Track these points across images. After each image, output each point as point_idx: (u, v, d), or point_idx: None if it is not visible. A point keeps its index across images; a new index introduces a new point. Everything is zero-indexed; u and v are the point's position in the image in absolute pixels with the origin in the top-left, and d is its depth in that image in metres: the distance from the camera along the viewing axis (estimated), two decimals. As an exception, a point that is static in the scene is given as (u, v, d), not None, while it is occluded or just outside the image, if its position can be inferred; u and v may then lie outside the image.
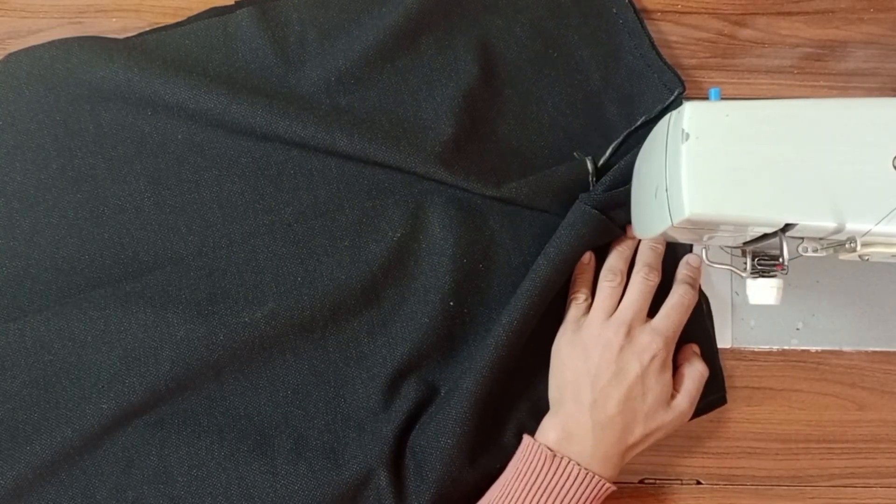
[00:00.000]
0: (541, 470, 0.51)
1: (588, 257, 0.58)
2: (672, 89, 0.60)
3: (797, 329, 0.62)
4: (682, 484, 0.60)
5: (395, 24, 0.61)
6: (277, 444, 0.56)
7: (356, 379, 0.58)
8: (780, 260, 0.47)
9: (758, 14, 0.65)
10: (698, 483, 0.60)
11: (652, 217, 0.50)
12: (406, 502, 0.53)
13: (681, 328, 0.56)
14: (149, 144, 0.60)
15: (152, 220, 0.59)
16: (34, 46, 0.60)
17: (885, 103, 0.45)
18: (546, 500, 0.51)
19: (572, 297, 0.58)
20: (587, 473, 0.51)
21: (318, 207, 0.60)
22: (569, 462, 0.51)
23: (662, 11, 0.65)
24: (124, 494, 0.54)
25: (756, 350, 0.62)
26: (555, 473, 0.51)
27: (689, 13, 0.65)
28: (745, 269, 0.53)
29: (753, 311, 0.62)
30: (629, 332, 0.54)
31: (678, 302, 0.56)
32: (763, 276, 0.52)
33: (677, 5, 0.65)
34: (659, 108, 0.60)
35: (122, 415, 0.55)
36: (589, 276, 0.58)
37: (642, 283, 0.56)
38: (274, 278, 0.58)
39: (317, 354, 0.58)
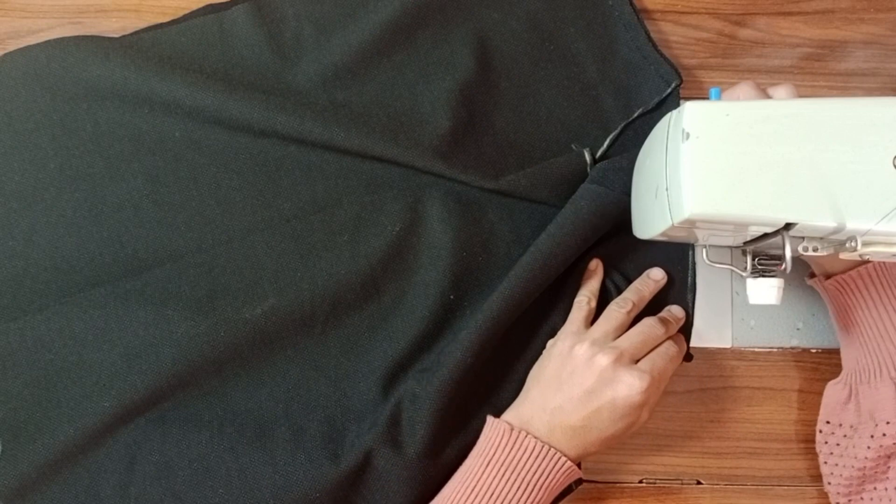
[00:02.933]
0: (498, 444, 0.51)
1: (595, 264, 0.58)
2: (669, 81, 0.61)
3: (797, 329, 0.61)
4: (682, 484, 0.60)
5: (391, 19, 0.61)
6: (277, 435, 0.56)
7: (357, 373, 0.58)
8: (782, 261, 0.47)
9: (758, 14, 0.65)
10: (698, 483, 0.60)
11: (652, 217, 0.49)
12: (403, 451, 0.53)
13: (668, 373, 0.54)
14: (146, 142, 0.60)
15: (151, 218, 0.59)
16: (30, 46, 0.60)
17: (885, 103, 0.45)
18: (504, 476, 0.50)
19: (577, 300, 0.57)
20: (543, 446, 0.50)
21: (317, 202, 0.60)
22: (526, 436, 0.51)
23: (662, 11, 0.65)
24: (127, 491, 0.54)
25: (756, 350, 0.62)
26: (512, 447, 0.51)
27: (689, 13, 0.65)
28: (746, 268, 0.53)
29: (753, 311, 0.61)
30: (618, 359, 0.51)
31: (664, 351, 0.53)
32: (763, 276, 0.52)
33: (677, 5, 0.65)
34: (656, 99, 0.61)
35: (124, 412, 0.55)
36: (596, 282, 0.58)
37: (649, 329, 0.54)
38: (273, 274, 0.58)
39: (317, 349, 0.58)
